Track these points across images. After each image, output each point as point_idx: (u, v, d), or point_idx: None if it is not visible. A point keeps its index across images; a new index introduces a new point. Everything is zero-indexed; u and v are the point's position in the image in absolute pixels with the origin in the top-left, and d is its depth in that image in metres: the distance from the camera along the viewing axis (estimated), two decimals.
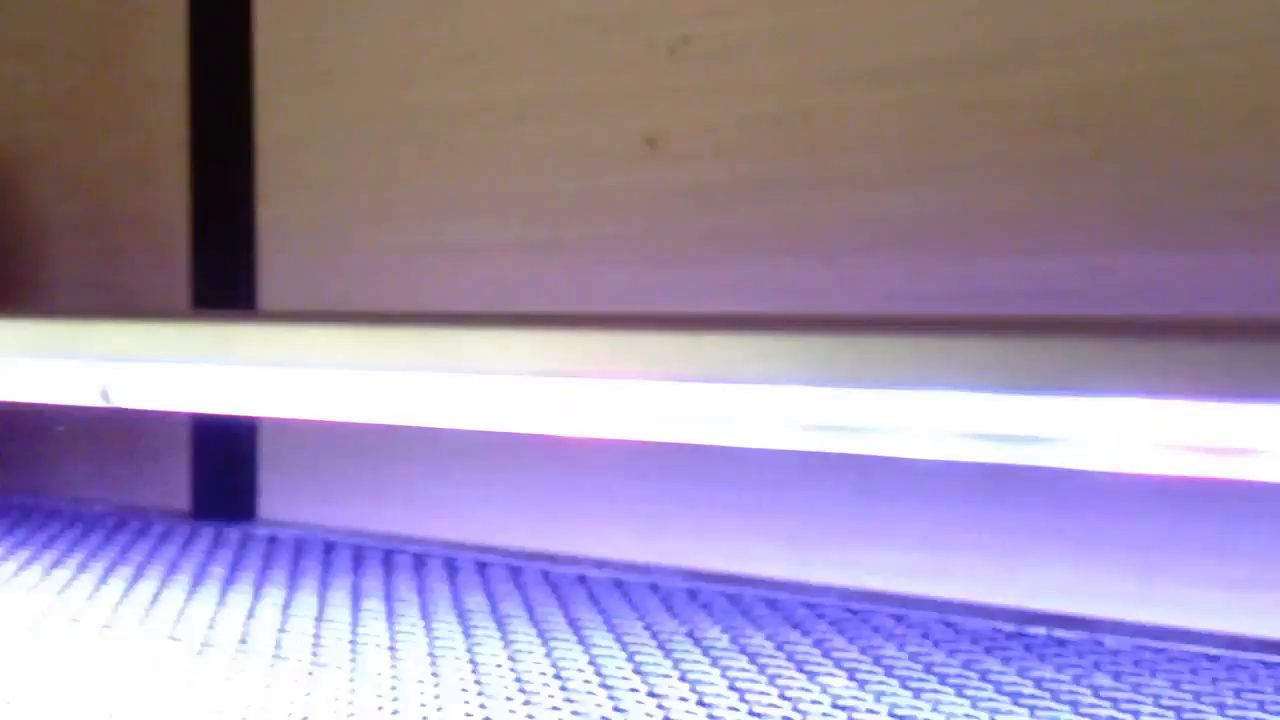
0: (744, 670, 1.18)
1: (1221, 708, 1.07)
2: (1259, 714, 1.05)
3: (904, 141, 1.42)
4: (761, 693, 1.12)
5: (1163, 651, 1.21)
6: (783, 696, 1.11)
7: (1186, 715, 1.05)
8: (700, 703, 1.09)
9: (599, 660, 1.21)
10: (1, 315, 1.34)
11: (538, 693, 1.12)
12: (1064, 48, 1.33)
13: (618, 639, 1.28)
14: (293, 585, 1.51)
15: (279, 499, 1.92)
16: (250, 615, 1.39)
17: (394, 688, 1.14)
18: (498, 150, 1.71)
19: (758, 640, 1.27)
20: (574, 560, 1.60)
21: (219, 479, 1.96)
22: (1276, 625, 1.24)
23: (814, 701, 1.09)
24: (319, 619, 1.37)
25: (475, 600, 1.43)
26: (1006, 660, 1.20)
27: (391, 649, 1.25)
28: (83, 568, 1.61)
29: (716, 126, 1.54)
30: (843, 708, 1.08)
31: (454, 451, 1.74)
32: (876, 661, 1.20)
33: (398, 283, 1.79)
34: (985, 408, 0.86)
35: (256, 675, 1.18)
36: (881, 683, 1.14)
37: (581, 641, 1.27)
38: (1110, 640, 1.25)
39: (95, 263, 2.11)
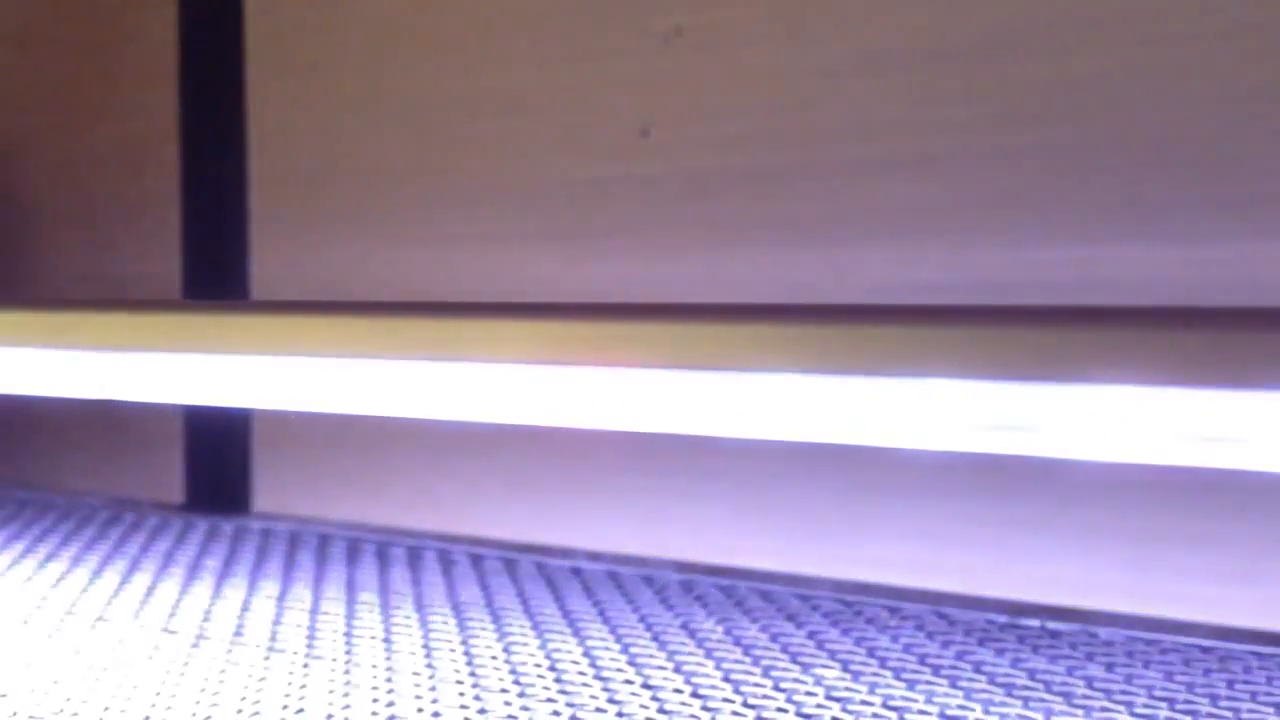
0: (738, 662, 1.18)
1: (1214, 699, 1.07)
2: (1251, 705, 1.06)
3: (897, 131, 1.42)
4: (756, 684, 1.12)
5: (1155, 643, 1.22)
6: (777, 688, 1.11)
7: (1179, 707, 1.06)
8: (695, 694, 1.09)
9: (594, 652, 1.21)
10: None
11: (532, 684, 1.12)
12: (1057, 37, 1.33)
13: (612, 631, 1.28)
14: (287, 578, 1.51)
15: (273, 491, 1.91)
16: (245, 608, 1.38)
17: (389, 680, 1.14)
18: (490, 140, 1.70)
19: (752, 632, 1.27)
20: (568, 552, 1.60)
21: (213, 471, 1.95)
22: (1269, 617, 1.25)
23: (808, 693, 1.09)
24: (313, 611, 1.37)
25: (470, 592, 1.43)
26: (1000, 652, 1.20)
27: (386, 641, 1.25)
28: (77, 561, 1.60)
29: (710, 116, 1.53)
30: (837, 699, 1.08)
31: (448, 443, 1.74)
32: (870, 653, 1.20)
33: (390, 273, 1.78)
34: (979, 398, 0.86)
35: (251, 667, 1.18)
36: (875, 674, 1.14)
37: (576, 633, 1.27)
38: (1103, 632, 1.25)
39: (85, 253, 2.11)
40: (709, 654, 1.20)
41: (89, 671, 1.17)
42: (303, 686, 1.13)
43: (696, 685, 1.12)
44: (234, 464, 1.93)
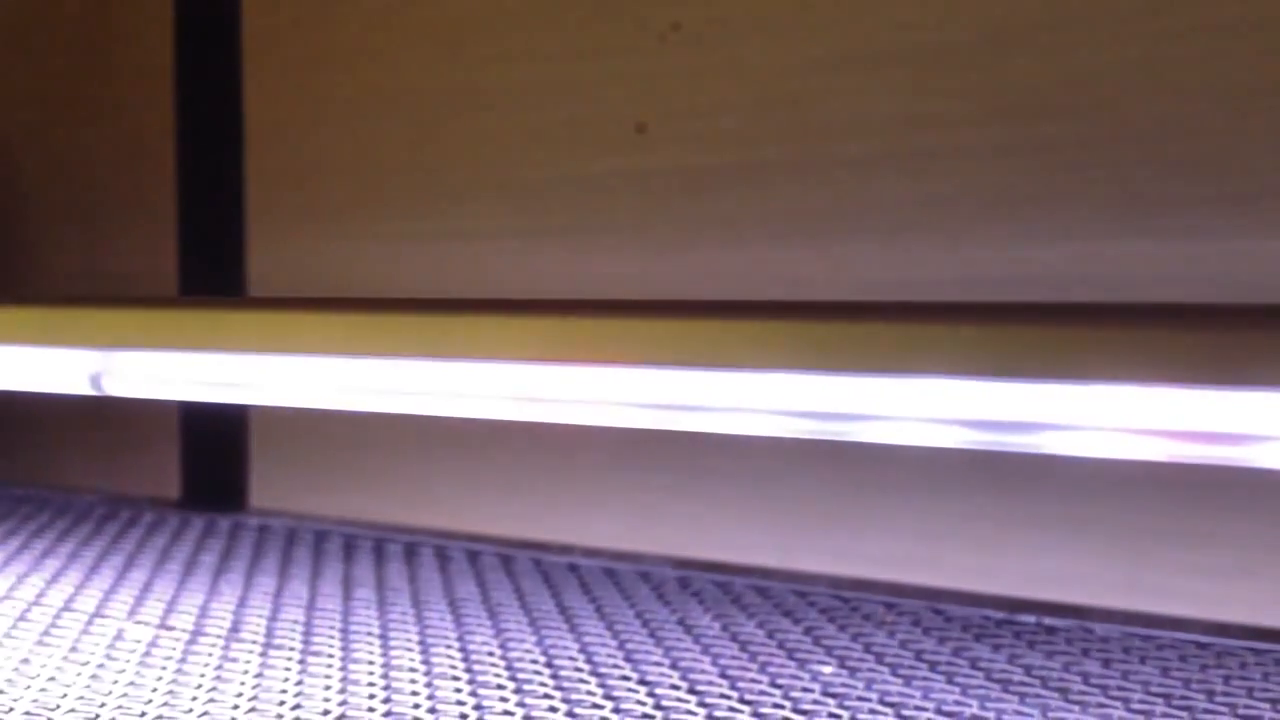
0: (735, 658, 1.18)
1: (1210, 695, 1.07)
2: (1248, 700, 1.06)
3: (894, 127, 1.41)
4: (752, 680, 1.12)
5: (1152, 639, 1.22)
6: (773, 684, 1.11)
7: (1175, 702, 1.06)
8: (691, 690, 1.09)
9: (590, 648, 1.21)
10: None
11: (529, 681, 1.12)
12: (1055, 32, 1.33)
13: (609, 627, 1.28)
14: (284, 574, 1.51)
15: (270, 488, 1.91)
16: (241, 604, 1.38)
17: (385, 676, 1.14)
18: (487, 136, 1.70)
19: (749, 628, 1.27)
20: (565, 549, 1.60)
21: (209, 468, 1.95)
22: (1264, 613, 1.25)
23: (805, 689, 1.10)
24: (310, 608, 1.37)
25: (466, 589, 1.43)
26: (996, 647, 1.20)
27: (383, 638, 1.25)
28: (74, 557, 1.60)
29: (707, 112, 1.53)
30: (833, 695, 1.08)
31: (445, 440, 1.74)
32: (867, 649, 1.20)
33: (387, 269, 1.78)
34: (975, 395, 0.86)
35: (248, 664, 1.18)
36: (872, 670, 1.14)
37: (573, 630, 1.27)
38: (1099, 628, 1.25)
39: (82, 249, 2.10)
40: (706, 650, 1.20)
41: (85, 668, 1.17)
42: (299, 683, 1.13)
43: (693, 681, 1.12)
44: (230, 460, 1.93)
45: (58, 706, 1.07)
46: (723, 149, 1.53)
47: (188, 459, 1.97)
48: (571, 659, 1.18)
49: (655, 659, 1.18)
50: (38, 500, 1.95)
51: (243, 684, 1.12)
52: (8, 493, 2.00)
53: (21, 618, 1.34)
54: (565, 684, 1.11)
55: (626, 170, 1.59)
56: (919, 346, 0.88)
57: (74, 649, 1.23)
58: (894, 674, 1.13)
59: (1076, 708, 1.05)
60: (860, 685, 1.10)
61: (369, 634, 1.27)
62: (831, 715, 1.04)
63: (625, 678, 1.13)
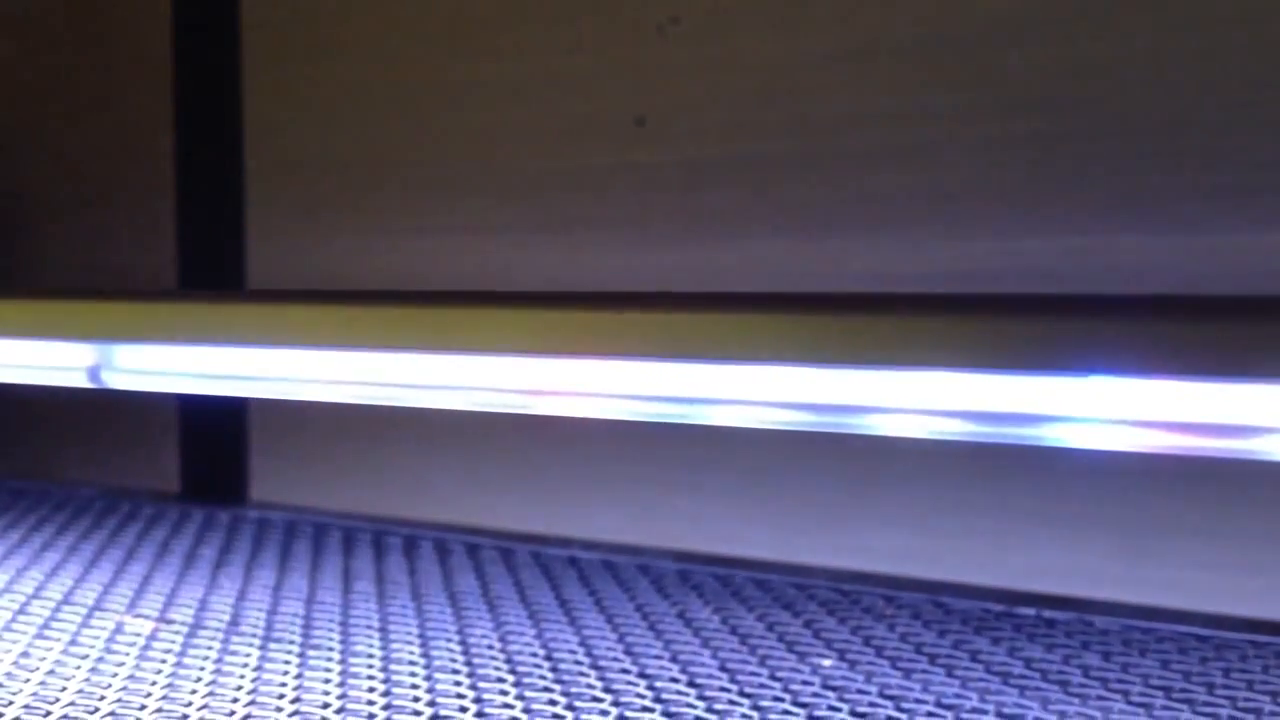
0: (735, 650, 1.18)
1: (1210, 687, 1.07)
2: (1248, 693, 1.06)
3: (893, 120, 1.41)
4: (752, 673, 1.12)
5: (1151, 631, 1.22)
6: (773, 677, 1.11)
7: (1175, 695, 1.06)
8: (691, 683, 1.09)
9: (590, 641, 1.21)
10: None
11: (529, 673, 1.12)
12: (1053, 26, 1.32)
13: (609, 620, 1.28)
14: (283, 567, 1.51)
15: (269, 481, 1.91)
16: (241, 597, 1.38)
17: (385, 669, 1.14)
18: (486, 130, 1.70)
19: (748, 621, 1.27)
20: (565, 542, 1.60)
21: (209, 461, 1.95)
22: (1264, 605, 1.25)
23: (804, 682, 1.10)
24: (310, 601, 1.37)
25: (466, 582, 1.43)
26: (996, 640, 1.20)
27: (383, 630, 1.25)
28: (73, 550, 1.60)
29: (706, 106, 1.53)
30: (833, 688, 1.08)
31: (445, 433, 1.74)
32: (867, 642, 1.20)
33: (385, 262, 1.78)
34: (975, 387, 0.86)
35: (247, 657, 1.18)
36: (872, 663, 1.14)
37: (573, 623, 1.27)
38: (1099, 620, 1.25)
39: (81, 243, 2.10)
40: (705, 643, 1.20)
41: (85, 661, 1.17)
42: (299, 676, 1.12)
43: (693, 674, 1.12)
44: (230, 453, 1.93)
45: (57, 700, 1.07)
46: (722, 142, 1.52)
47: (187, 452, 1.97)
48: (571, 652, 1.18)
49: (655, 652, 1.18)
50: (37, 494, 1.95)
51: (242, 677, 1.12)
52: (6, 486, 2.00)
53: (21, 611, 1.34)
54: (565, 677, 1.11)
55: (625, 164, 1.59)
56: (919, 339, 0.88)
57: (74, 642, 1.23)
58: (894, 667, 1.13)
59: (1076, 700, 1.05)
60: (860, 678, 1.10)
61: (369, 627, 1.27)
62: (831, 708, 1.04)
63: (625, 671, 1.13)
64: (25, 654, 1.19)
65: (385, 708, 1.04)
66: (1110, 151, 1.30)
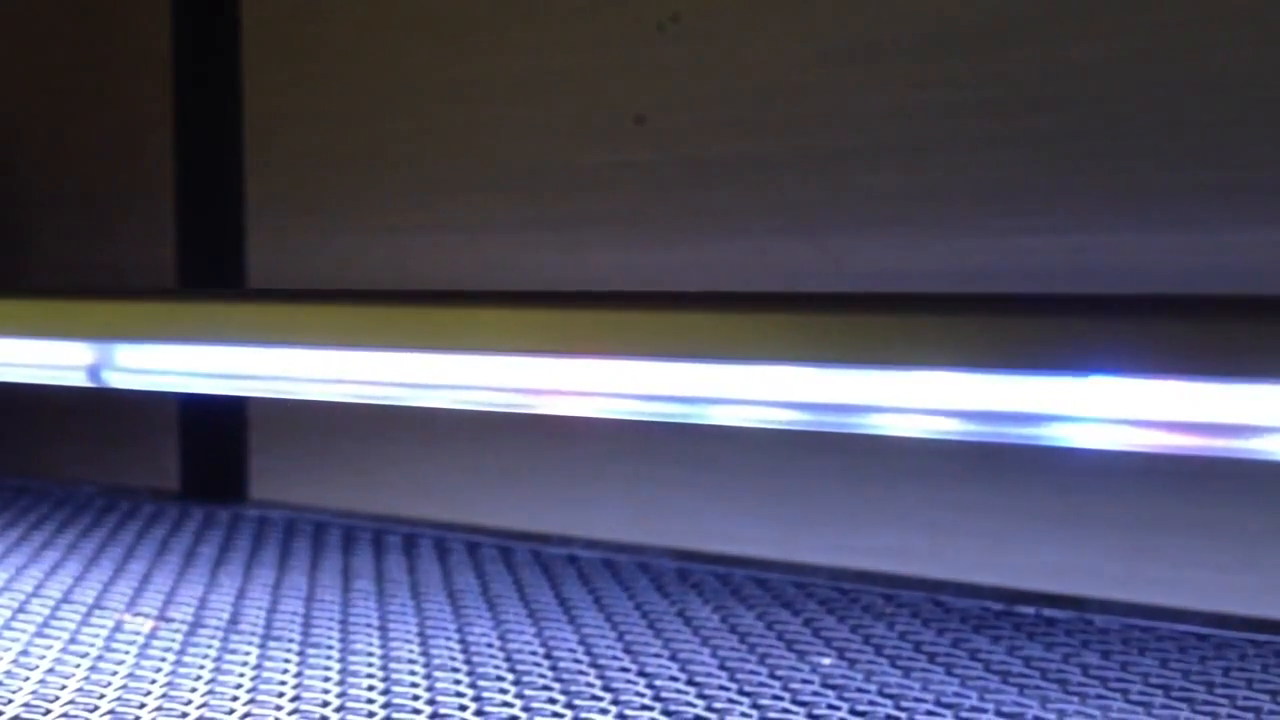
0: (734, 649, 1.18)
1: (1210, 686, 1.07)
2: (1248, 692, 1.06)
3: (892, 118, 1.41)
4: (752, 671, 1.12)
5: (1151, 630, 1.22)
6: (773, 675, 1.11)
7: (1175, 694, 1.06)
8: (691, 682, 1.09)
9: (590, 640, 1.21)
10: None
11: (529, 672, 1.12)
12: (1052, 23, 1.32)
13: (608, 619, 1.28)
14: (283, 566, 1.51)
15: (269, 479, 1.91)
16: (240, 595, 1.38)
17: (385, 667, 1.14)
18: (486, 127, 1.70)
19: (748, 620, 1.27)
20: (564, 540, 1.60)
21: (209, 460, 1.95)
22: (1264, 604, 1.25)
23: (804, 680, 1.10)
24: (309, 599, 1.37)
25: (466, 580, 1.43)
26: (995, 639, 1.20)
27: (382, 629, 1.25)
28: (72, 548, 1.60)
29: (705, 104, 1.53)
30: (832, 686, 1.08)
31: (444, 431, 1.74)
32: (866, 640, 1.20)
33: (386, 261, 1.78)
34: (973, 386, 0.86)
35: (247, 656, 1.18)
36: (871, 661, 1.14)
37: (572, 621, 1.27)
38: (1099, 619, 1.25)
39: (80, 240, 2.10)
40: (705, 642, 1.20)
41: (84, 660, 1.17)
42: (299, 675, 1.13)
43: (693, 673, 1.12)
44: (230, 452, 1.93)
45: (57, 699, 1.07)
46: (722, 140, 1.52)
47: (187, 450, 1.97)
48: (571, 650, 1.18)
49: (655, 650, 1.18)
50: (36, 492, 1.95)
51: (242, 675, 1.12)
52: (6, 484, 2.00)
53: (21, 609, 1.34)
54: (565, 675, 1.11)
55: (625, 162, 1.59)
56: (918, 338, 0.87)
57: (73, 640, 1.23)
58: (893, 665, 1.13)
59: (1076, 699, 1.05)
60: (859, 677, 1.10)
61: (368, 625, 1.27)
62: (831, 706, 1.04)
63: (625, 669, 1.13)
64: (25, 652, 1.19)
65: (385, 706, 1.04)
66: (1110, 150, 1.30)
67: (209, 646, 1.21)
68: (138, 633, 1.25)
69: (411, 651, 1.18)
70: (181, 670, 1.14)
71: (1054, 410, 0.85)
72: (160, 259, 1.96)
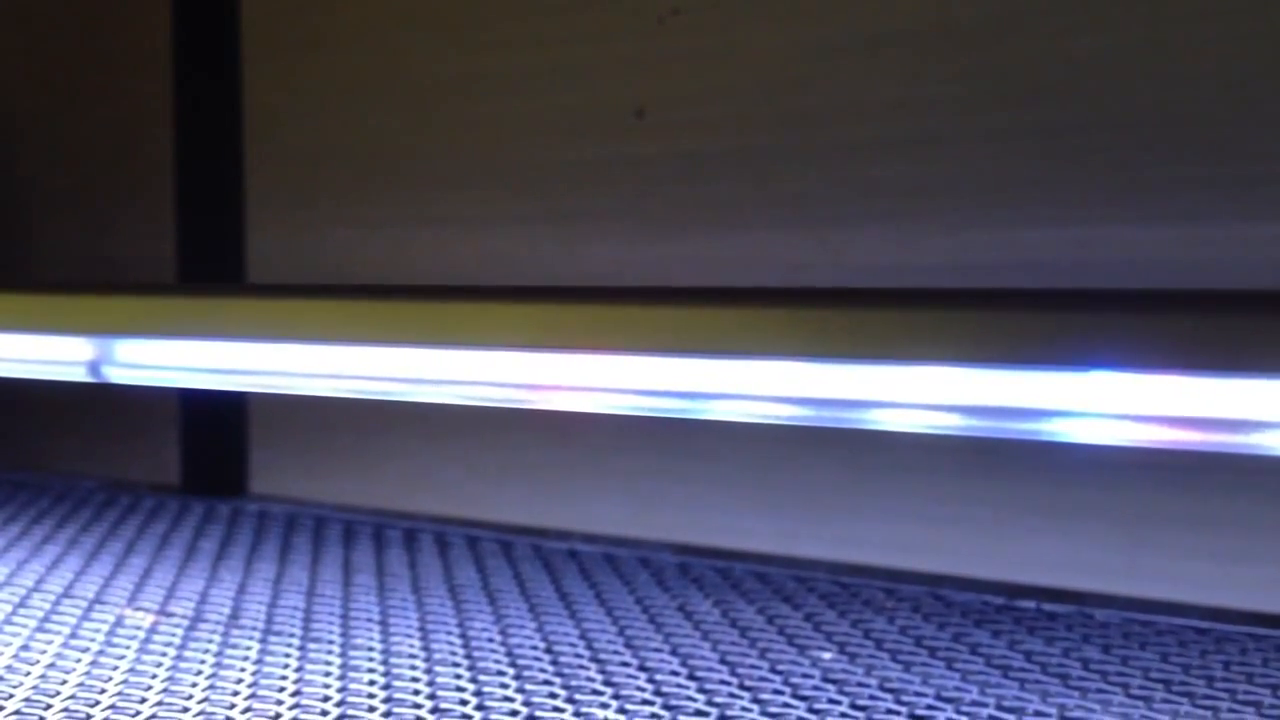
0: (735, 643, 1.18)
1: (1210, 680, 1.07)
2: (1247, 686, 1.06)
3: (893, 112, 1.41)
4: (753, 665, 1.12)
5: (1151, 625, 1.22)
6: (773, 670, 1.11)
7: (1175, 688, 1.06)
8: (691, 676, 1.09)
9: (590, 634, 1.21)
10: None
11: (529, 666, 1.12)
12: (1054, 15, 1.32)
13: (609, 613, 1.28)
14: (284, 560, 1.51)
15: (269, 474, 1.91)
16: (241, 590, 1.38)
17: (385, 662, 1.14)
18: (486, 121, 1.70)
19: (748, 614, 1.27)
20: (565, 535, 1.60)
21: (209, 454, 1.95)
22: (1264, 598, 1.25)
23: (804, 675, 1.10)
24: (310, 594, 1.37)
25: (466, 575, 1.43)
26: (996, 634, 1.20)
27: (383, 623, 1.26)
28: (73, 543, 1.60)
29: (706, 97, 1.53)
30: (833, 680, 1.08)
31: (445, 426, 1.74)
32: (867, 635, 1.20)
33: (386, 255, 1.78)
34: (974, 381, 0.86)
35: (248, 650, 1.18)
36: (871, 656, 1.14)
37: (573, 616, 1.27)
38: (1099, 614, 1.25)
39: (80, 235, 2.10)
40: (705, 636, 1.21)
41: (85, 655, 1.17)
42: (299, 669, 1.13)
43: (693, 667, 1.12)
44: (230, 446, 1.93)
45: (58, 693, 1.07)
46: (722, 134, 1.52)
47: (187, 445, 1.97)
48: (571, 645, 1.18)
49: (655, 645, 1.18)
50: (37, 486, 1.95)
51: (243, 670, 1.12)
52: (7, 479, 2.00)
53: (21, 604, 1.34)
54: (565, 670, 1.11)
55: (625, 156, 1.59)
56: (918, 333, 0.87)
57: (74, 635, 1.23)
58: (894, 660, 1.13)
59: (1076, 693, 1.05)
60: (860, 671, 1.11)
61: (369, 620, 1.27)
62: (831, 701, 1.04)
63: (625, 664, 1.13)
64: (25, 648, 1.19)
65: (386, 700, 1.04)
66: (1111, 143, 1.30)
67: (210, 641, 1.21)
68: (138, 628, 1.25)
69: (412, 646, 1.18)
70: (182, 665, 1.14)
71: (1055, 405, 0.85)
72: (160, 254, 1.96)
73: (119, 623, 1.27)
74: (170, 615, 1.29)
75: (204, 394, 1.89)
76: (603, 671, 1.11)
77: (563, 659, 1.14)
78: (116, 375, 1.29)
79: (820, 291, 1.21)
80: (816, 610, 1.28)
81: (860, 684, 1.07)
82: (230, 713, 1.02)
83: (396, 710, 1.02)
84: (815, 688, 1.07)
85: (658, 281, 1.53)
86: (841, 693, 1.05)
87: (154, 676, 1.11)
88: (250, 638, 1.22)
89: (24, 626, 1.26)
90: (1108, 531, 1.33)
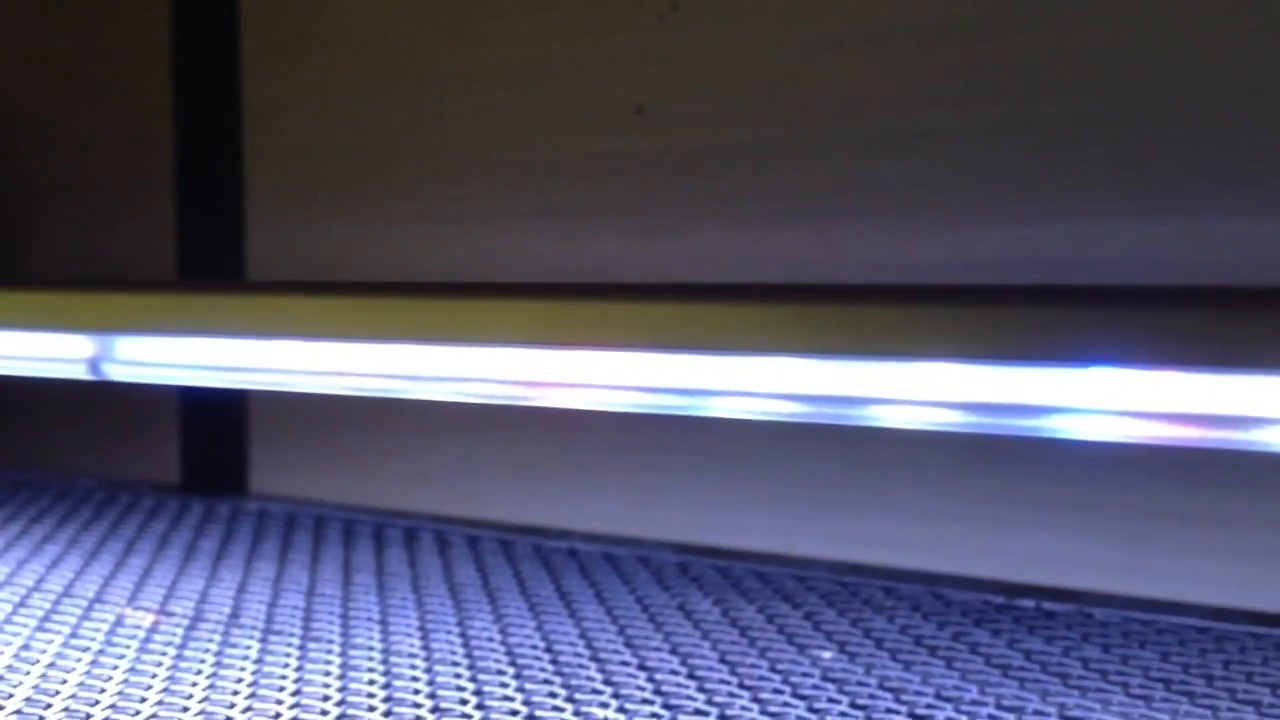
0: (735, 642, 1.18)
1: (1210, 679, 1.07)
2: (1247, 685, 1.06)
3: (894, 107, 1.41)
4: (752, 665, 1.12)
5: (1151, 623, 1.22)
6: (773, 669, 1.11)
7: (1175, 687, 1.06)
8: (691, 675, 1.09)
9: (590, 633, 1.21)
10: None
11: (529, 665, 1.12)
12: (1055, 11, 1.32)
13: (609, 612, 1.28)
14: (284, 559, 1.51)
15: (270, 473, 1.91)
16: (241, 589, 1.38)
17: (385, 661, 1.14)
18: (486, 117, 1.69)
19: (748, 613, 1.27)
20: (564, 534, 1.60)
21: (209, 452, 1.95)
22: (1264, 597, 1.25)
23: (804, 674, 1.09)
24: (310, 593, 1.37)
25: (466, 574, 1.43)
26: (996, 633, 1.20)
27: (383, 623, 1.25)
28: (73, 542, 1.60)
29: (706, 93, 1.53)
30: (833, 679, 1.08)
31: (445, 424, 1.74)
32: (867, 634, 1.20)
33: (386, 252, 1.78)
34: (974, 378, 0.86)
35: (248, 649, 1.18)
36: (871, 655, 1.14)
37: (573, 615, 1.27)
38: (1099, 612, 1.25)
39: (79, 232, 2.10)
40: (705, 635, 1.20)
41: (85, 654, 1.17)
42: (299, 669, 1.12)
43: (693, 666, 1.12)
44: (230, 445, 1.93)
45: (58, 693, 1.07)
46: (722, 130, 1.52)
47: (187, 443, 1.96)
48: (571, 644, 1.18)
49: (655, 644, 1.18)
50: (37, 485, 1.95)
51: (243, 669, 1.12)
52: (6, 477, 2.00)
53: (21, 603, 1.34)
54: (565, 669, 1.11)
55: (625, 152, 1.58)
56: (919, 330, 0.87)
57: (74, 635, 1.23)
58: (893, 659, 1.13)
59: (1076, 693, 1.04)
60: (860, 670, 1.10)
61: (369, 619, 1.27)
62: (831, 700, 1.04)
63: (625, 663, 1.13)
64: (25, 647, 1.19)
65: (386, 700, 1.04)
66: (1112, 139, 1.30)
67: (210, 641, 1.21)
68: (138, 627, 1.25)
69: (412, 645, 1.18)
70: (182, 665, 1.14)
71: (1055, 401, 0.85)
72: (160, 251, 1.96)
73: (119, 622, 1.27)
74: (170, 614, 1.29)
75: (204, 392, 1.88)
76: (603, 671, 1.11)
77: (563, 658, 1.14)
78: (116, 373, 1.29)
79: (821, 287, 1.21)
80: (816, 609, 1.28)
81: (860, 683, 1.07)
82: (230, 712, 1.02)
83: (396, 710, 1.02)
84: (815, 687, 1.06)
85: (658, 278, 1.53)
86: (841, 692, 1.05)
87: (154, 676, 1.11)
88: (250, 637, 1.22)
89: (24, 626, 1.26)
90: (1108, 529, 1.33)
